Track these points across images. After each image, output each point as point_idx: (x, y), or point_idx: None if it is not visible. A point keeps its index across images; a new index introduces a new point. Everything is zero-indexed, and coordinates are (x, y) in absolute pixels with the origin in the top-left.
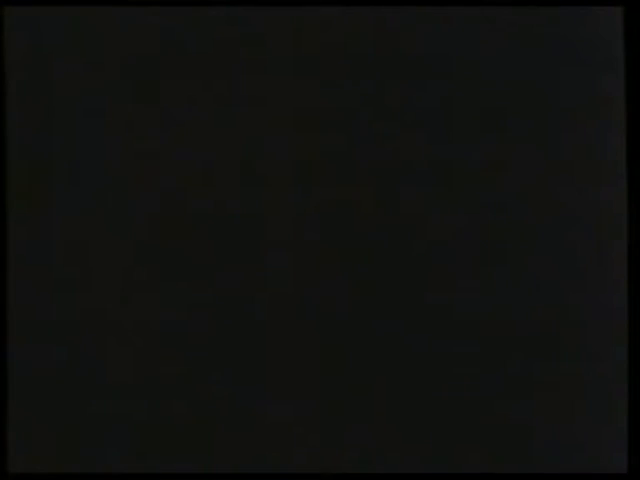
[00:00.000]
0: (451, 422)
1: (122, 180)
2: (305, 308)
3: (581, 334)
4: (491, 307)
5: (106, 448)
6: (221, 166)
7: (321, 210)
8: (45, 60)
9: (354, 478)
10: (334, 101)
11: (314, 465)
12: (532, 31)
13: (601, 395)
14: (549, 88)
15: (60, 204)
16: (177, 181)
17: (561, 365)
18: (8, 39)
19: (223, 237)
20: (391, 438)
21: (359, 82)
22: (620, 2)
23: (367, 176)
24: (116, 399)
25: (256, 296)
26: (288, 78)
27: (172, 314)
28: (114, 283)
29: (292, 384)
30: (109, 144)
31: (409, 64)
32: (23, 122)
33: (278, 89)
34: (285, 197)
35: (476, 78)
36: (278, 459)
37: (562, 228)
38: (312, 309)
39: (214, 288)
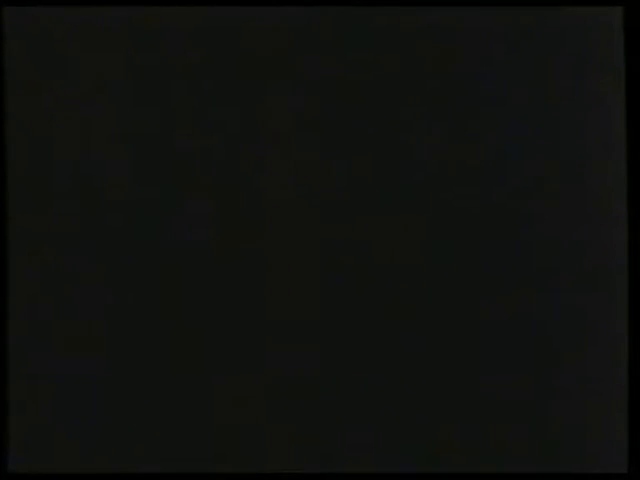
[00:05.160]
0: (451, 422)
1: (122, 179)
2: (304, 309)
3: (581, 334)
4: (491, 306)
5: (106, 448)
6: (221, 165)
7: (320, 207)
8: (45, 60)
9: (354, 478)
10: (334, 101)
11: (314, 465)
12: (532, 31)
13: (601, 395)
14: (549, 88)
15: (60, 204)
16: (177, 180)
17: (561, 365)
18: (8, 39)
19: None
20: (390, 437)
21: (358, 82)
22: (620, 2)
23: (366, 176)
24: (116, 399)
25: (256, 299)
26: (287, 77)
27: (172, 313)
28: (114, 281)
29: (292, 383)
30: (109, 143)
31: (409, 64)
32: (23, 122)
33: (278, 88)
34: (285, 196)
35: (475, 78)
36: (277, 459)
37: (561, 228)
38: (311, 311)
39: (213, 289)
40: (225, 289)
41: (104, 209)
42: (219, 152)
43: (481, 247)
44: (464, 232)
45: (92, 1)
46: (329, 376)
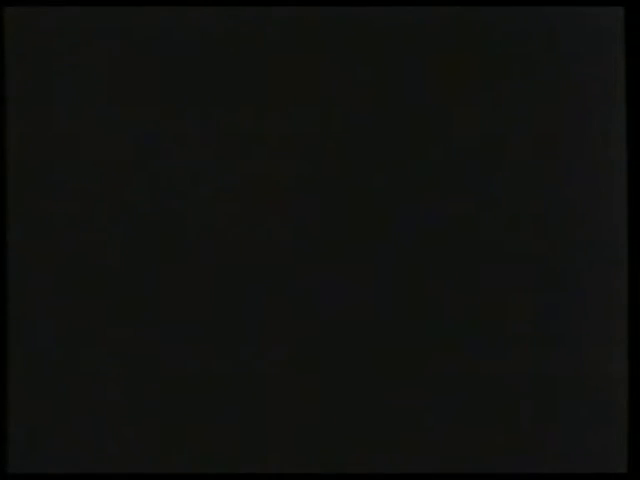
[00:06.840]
0: (450, 421)
1: (121, 180)
2: (303, 311)
3: (581, 334)
4: (491, 305)
5: (106, 448)
6: (220, 166)
7: (319, 209)
8: (45, 60)
9: (354, 478)
10: (334, 101)
11: (314, 465)
12: (532, 31)
13: (601, 395)
14: (549, 88)
15: (60, 204)
16: (176, 181)
17: (561, 365)
18: (8, 39)
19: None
20: (390, 437)
21: (358, 82)
22: (620, 2)
23: (366, 176)
24: (116, 399)
25: (255, 298)
26: (288, 78)
27: (172, 312)
28: (114, 280)
29: (292, 383)
30: (109, 144)
31: (409, 63)
32: (23, 122)
33: (278, 88)
34: (285, 199)
35: (476, 78)
36: (278, 459)
37: (562, 228)
38: (309, 313)
39: (213, 290)
40: (225, 289)
41: (103, 209)
42: (219, 152)
43: (480, 247)
44: (463, 233)
45: (92, 1)
46: (329, 376)
